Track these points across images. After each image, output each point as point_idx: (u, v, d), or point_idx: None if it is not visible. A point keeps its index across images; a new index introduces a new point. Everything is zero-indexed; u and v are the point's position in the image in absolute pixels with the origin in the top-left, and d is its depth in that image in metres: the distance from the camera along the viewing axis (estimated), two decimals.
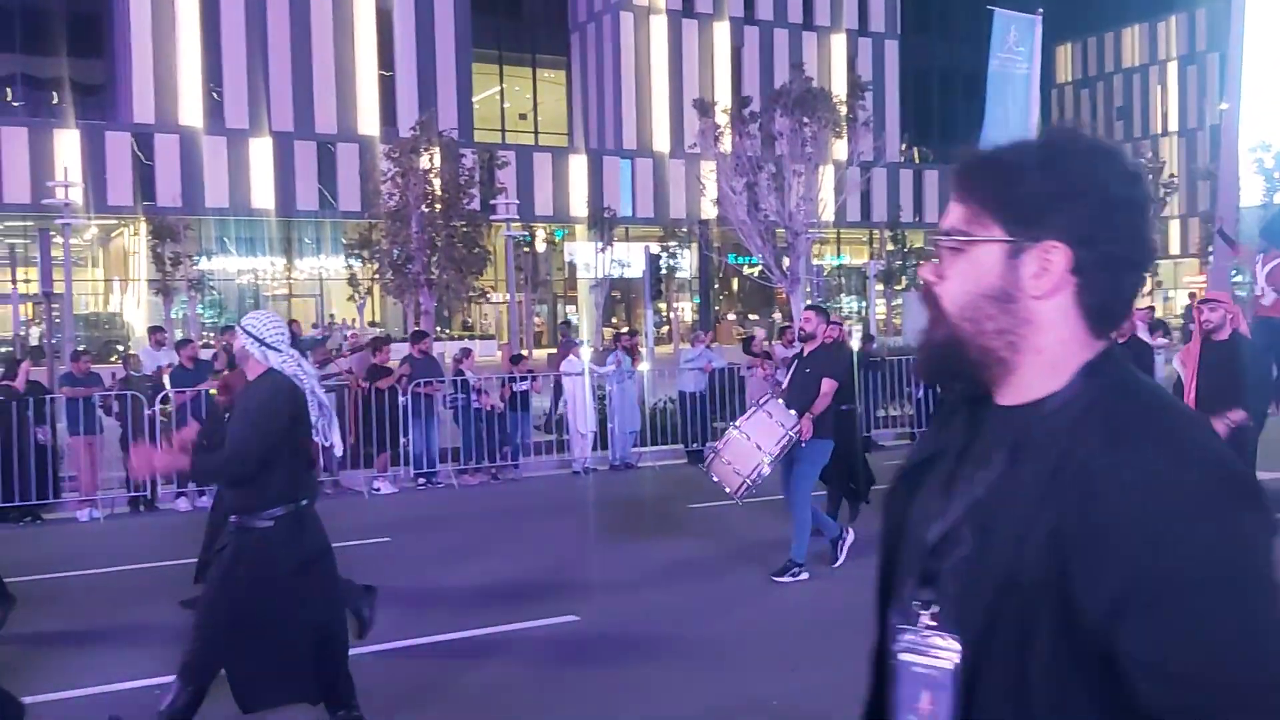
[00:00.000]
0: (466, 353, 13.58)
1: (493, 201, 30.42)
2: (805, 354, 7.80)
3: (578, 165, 44.06)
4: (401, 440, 12.46)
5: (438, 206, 24.81)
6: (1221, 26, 30.21)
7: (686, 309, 44.74)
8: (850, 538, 7.86)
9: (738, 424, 7.48)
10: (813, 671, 5.48)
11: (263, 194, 38.75)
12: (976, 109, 12.24)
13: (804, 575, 7.44)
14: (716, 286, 45.22)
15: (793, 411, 7.37)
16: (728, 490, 7.37)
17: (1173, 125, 61.92)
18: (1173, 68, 62.33)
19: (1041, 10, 12.29)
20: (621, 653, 6.05)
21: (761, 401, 7.60)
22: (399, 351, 14.03)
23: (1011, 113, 12.10)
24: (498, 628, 6.52)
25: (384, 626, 5.78)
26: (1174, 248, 55.05)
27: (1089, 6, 61.50)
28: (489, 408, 12.64)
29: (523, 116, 48.31)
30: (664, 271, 40.49)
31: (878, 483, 9.29)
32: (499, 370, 14.34)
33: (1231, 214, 21.34)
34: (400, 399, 12.37)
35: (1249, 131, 28.91)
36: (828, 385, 7.55)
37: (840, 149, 32.25)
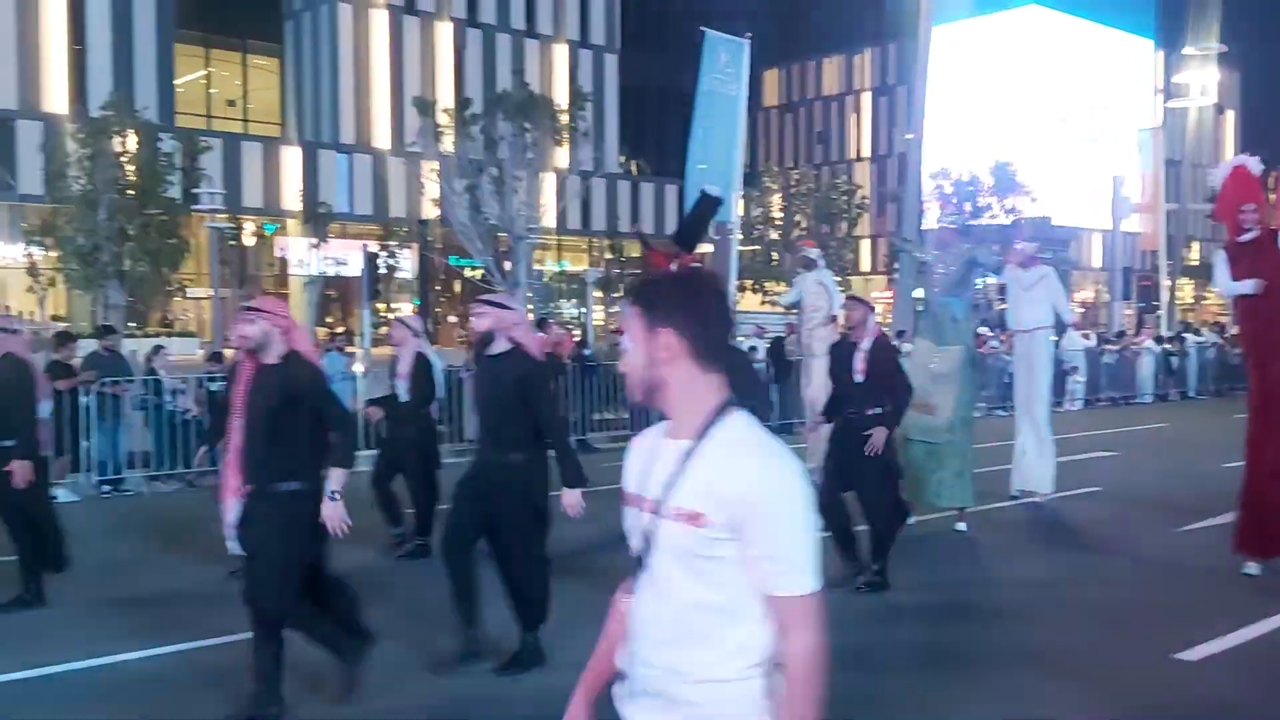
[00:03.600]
0: (158, 350, 12.71)
1: (195, 190, 28.68)
2: None
3: (291, 157, 42.28)
4: (83, 444, 11.48)
5: (131, 193, 23.14)
6: (910, 63, 32.99)
7: (406, 310, 43.88)
8: None
9: None
10: None
11: None
12: (689, 126, 12.68)
13: None
14: (438, 289, 44.63)
15: None
16: None
17: (865, 151, 66.87)
18: (866, 98, 67.33)
19: (750, 35, 12.88)
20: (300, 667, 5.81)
21: None
22: (87, 348, 12.94)
23: (720, 132, 12.61)
24: (179, 645, 6.11)
25: (42, 648, 5.27)
26: (864, 265, 59.40)
27: (793, 35, 65.42)
28: (183, 410, 11.87)
29: (231, 103, 45.81)
30: (383, 271, 39.60)
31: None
32: (198, 370, 13.50)
33: (914, 235, 23.23)
34: (82, 399, 11.40)
35: (930, 159, 31.77)
36: None
37: (561, 157, 32.68)
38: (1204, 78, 36.68)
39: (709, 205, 11.03)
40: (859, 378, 6.86)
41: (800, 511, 1.99)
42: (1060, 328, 21.76)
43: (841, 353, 7.06)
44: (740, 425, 2.06)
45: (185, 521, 9.69)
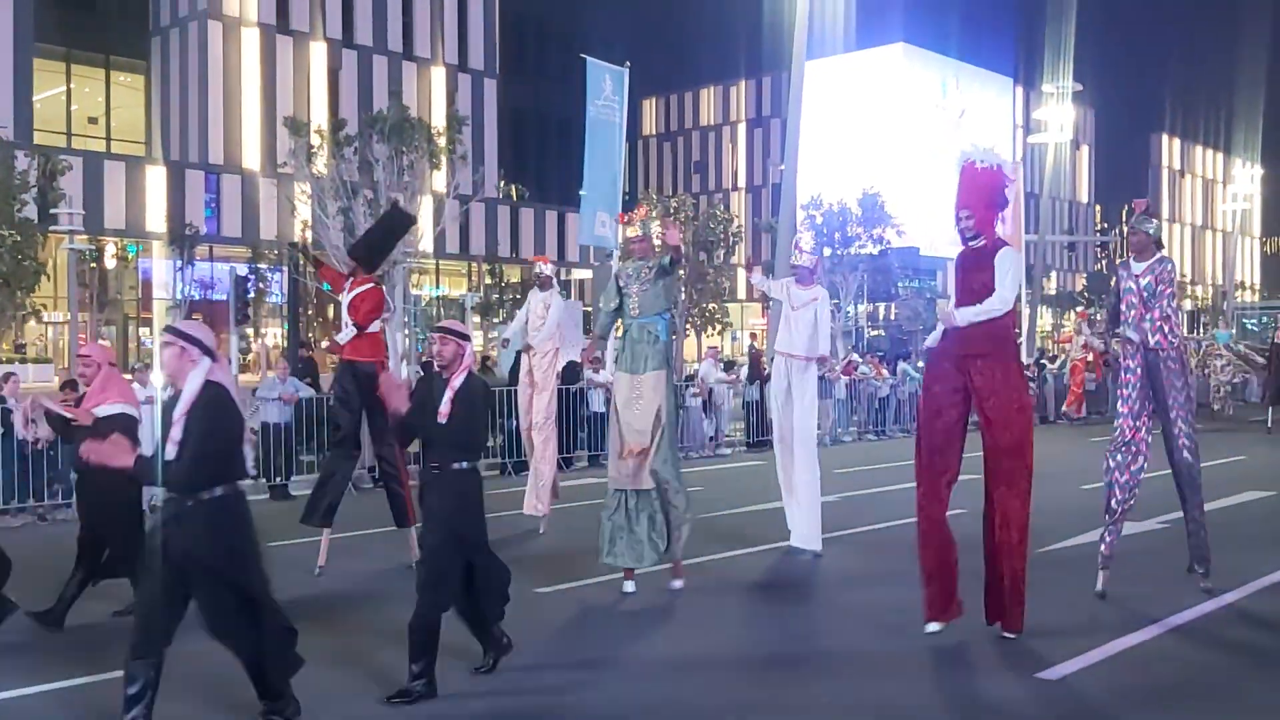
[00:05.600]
0: (8, 377, 12.08)
1: (54, 210, 27.47)
2: None
3: (155, 177, 40.88)
4: None
5: None
6: (783, 94, 33.72)
7: (277, 335, 42.73)
8: None
9: None
10: None
11: None
12: (569, 151, 12.76)
13: None
14: (311, 313, 43.60)
15: None
16: None
17: (741, 181, 68.09)
18: (742, 128, 68.66)
19: (629, 63, 12.99)
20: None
21: None
22: None
23: (602, 159, 12.67)
24: (29, 688, 5.78)
25: None
26: (740, 293, 60.28)
27: (671, 65, 66.36)
28: (34, 439, 11.26)
29: (93, 120, 44.12)
30: (251, 295, 38.52)
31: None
32: (53, 398, 12.84)
33: (787, 265, 23.61)
34: None
35: (803, 190, 32.43)
36: None
37: (439, 180, 32.37)
38: (1061, 115, 38.43)
39: (398, 221, 9.98)
40: (443, 420, 5.68)
41: None
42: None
43: (430, 389, 5.90)
44: None
45: (36, 557, 9.18)
